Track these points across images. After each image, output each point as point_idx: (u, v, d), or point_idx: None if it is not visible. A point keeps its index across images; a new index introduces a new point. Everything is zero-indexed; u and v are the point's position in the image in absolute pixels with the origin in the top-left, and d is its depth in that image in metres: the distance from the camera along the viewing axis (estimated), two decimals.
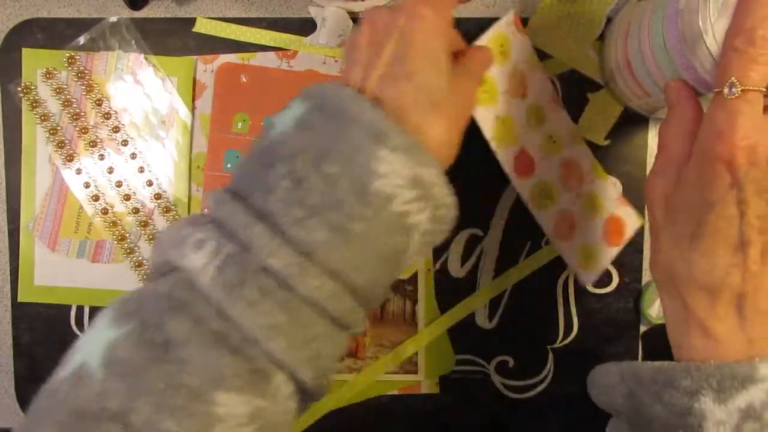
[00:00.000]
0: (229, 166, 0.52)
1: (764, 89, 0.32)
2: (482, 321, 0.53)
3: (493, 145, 0.44)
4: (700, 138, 0.33)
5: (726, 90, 0.31)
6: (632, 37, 0.44)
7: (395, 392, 0.53)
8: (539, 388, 0.53)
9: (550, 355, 0.53)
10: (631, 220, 0.50)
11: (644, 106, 0.49)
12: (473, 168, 0.52)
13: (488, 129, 0.44)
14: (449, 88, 0.35)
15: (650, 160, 0.52)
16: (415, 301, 0.53)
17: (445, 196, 0.33)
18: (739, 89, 0.31)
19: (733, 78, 0.31)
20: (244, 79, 0.52)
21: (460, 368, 0.53)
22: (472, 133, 0.52)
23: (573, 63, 0.51)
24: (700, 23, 0.35)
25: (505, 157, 0.45)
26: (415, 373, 0.53)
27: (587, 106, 0.52)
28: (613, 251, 0.50)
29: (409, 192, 0.31)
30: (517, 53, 0.46)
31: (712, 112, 0.32)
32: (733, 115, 0.31)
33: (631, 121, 0.52)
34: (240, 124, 0.52)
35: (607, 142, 0.52)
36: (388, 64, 0.34)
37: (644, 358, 0.54)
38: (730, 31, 0.33)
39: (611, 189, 0.50)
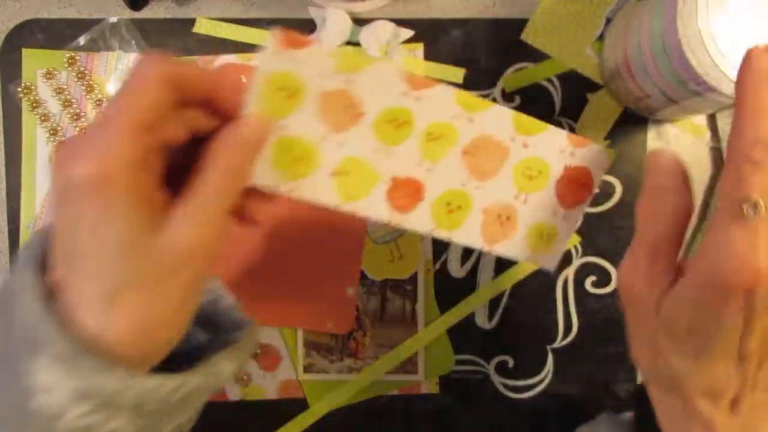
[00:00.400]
0: None
1: None
2: (482, 321, 0.53)
3: (349, 207, 0.34)
4: (709, 258, 0.29)
5: (749, 210, 0.28)
6: (631, 39, 0.44)
7: (395, 392, 0.53)
8: (539, 388, 0.53)
9: (550, 355, 0.53)
10: (594, 160, 0.38)
11: (644, 107, 0.49)
12: None
13: (328, 196, 0.34)
14: (141, 257, 0.26)
15: None
16: (415, 301, 0.53)
17: (148, 393, 0.26)
18: (764, 209, 0.27)
19: (756, 196, 0.27)
20: (245, 79, 0.52)
21: (460, 368, 0.53)
22: None
23: (572, 63, 0.52)
24: (699, 25, 0.35)
25: (370, 207, 0.35)
26: (415, 373, 0.53)
27: (587, 106, 0.52)
28: (578, 212, 0.39)
29: (80, 407, 0.25)
30: (312, 76, 0.33)
31: (727, 231, 0.28)
32: (756, 237, 0.28)
33: (631, 121, 0.52)
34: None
35: (606, 143, 0.52)
36: (62, 240, 0.26)
37: None
38: (743, 138, 0.28)
39: (556, 137, 0.37)
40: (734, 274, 0.28)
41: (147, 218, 0.26)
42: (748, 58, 0.28)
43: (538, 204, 0.38)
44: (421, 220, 0.36)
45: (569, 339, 0.53)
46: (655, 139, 0.52)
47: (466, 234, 0.37)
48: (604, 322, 0.53)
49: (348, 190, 0.34)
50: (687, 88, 0.40)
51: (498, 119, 0.36)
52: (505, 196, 0.37)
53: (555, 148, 0.37)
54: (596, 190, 0.38)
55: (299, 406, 0.53)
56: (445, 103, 0.35)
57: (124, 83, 0.27)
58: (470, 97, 0.35)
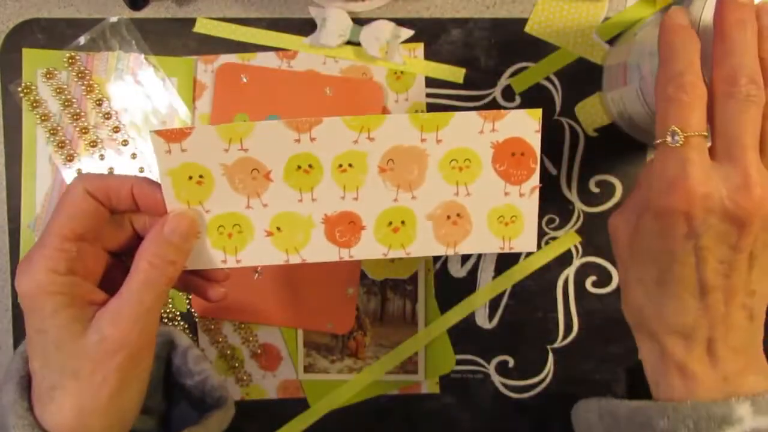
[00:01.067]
0: None
1: (706, 133, 0.32)
2: (482, 321, 0.53)
3: (296, 258, 0.36)
4: (652, 188, 0.32)
5: (669, 138, 0.31)
6: (630, 95, 0.45)
7: (395, 392, 0.53)
8: (539, 388, 0.53)
9: (550, 355, 0.53)
10: (522, 126, 0.36)
11: (643, 140, 0.50)
12: None
13: (272, 256, 0.36)
14: (71, 354, 0.30)
15: (650, 159, 0.52)
16: (415, 301, 0.53)
17: None
18: (682, 136, 0.31)
19: (673, 126, 0.31)
20: (245, 80, 0.52)
21: (460, 368, 0.53)
22: None
23: (578, 51, 0.51)
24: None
25: (316, 252, 0.37)
26: (415, 373, 0.53)
27: (581, 102, 0.52)
28: (532, 182, 0.37)
29: None
30: (209, 157, 0.35)
31: (660, 161, 0.32)
32: (683, 163, 0.31)
33: None
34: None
35: (595, 134, 0.52)
36: (27, 343, 0.32)
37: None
38: (660, 79, 0.33)
39: (467, 120, 0.36)
40: (668, 200, 0.31)
41: (78, 318, 0.30)
42: (666, 16, 0.34)
43: (482, 191, 0.37)
44: (370, 249, 0.37)
45: (569, 339, 0.53)
46: None
47: (423, 245, 0.37)
48: (604, 322, 0.53)
49: (287, 243, 0.36)
50: None
51: (398, 127, 0.35)
52: (444, 196, 0.37)
53: (472, 132, 0.36)
54: (538, 154, 0.36)
55: (299, 406, 0.53)
56: (340, 132, 0.35)
57: (57, 202, 0.32)
58: (360, 118, 0.35)
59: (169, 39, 0.52)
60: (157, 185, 0.34)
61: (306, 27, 0.52)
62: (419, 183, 0.36)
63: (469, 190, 0.37)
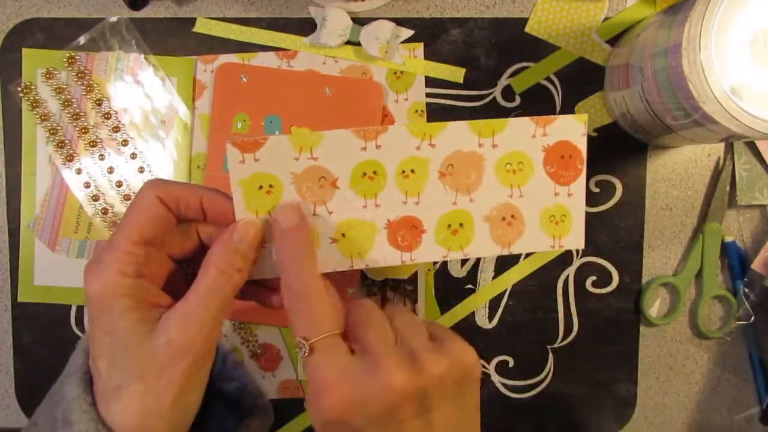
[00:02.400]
0: (226, 167, 0.50)
1: (337, 330, 0.32)
2: (482, 321, 0.53)
3: (360, 263, 0.37)
4: (307, 403, 0.32)
5: (299, 351, 0.32)
6: (634, 95, 0.45)
7: None
8: (539, 388, 0.53)
9: (550, 355, 0.53)
10: (569, 130, 0.38)
11: (645, 140, 0.50)
12: None
13: (337, 262, 0.37)
14: (138, 356, 0.31)
15: (650, 159, 0.52)
16: (415, 301, 0.53)
17: None
18: (306, 346, 0.31)
19: (298, 337, 0.32)
20: (245, 79, 0.51)
21: None
22: None
23: (578, 51, 0.51)
24: (702, 57, 0.36)
25: (380, 257, 0.38)
26: None
27: (581, 102, 0.52)
28: (579, 183, 0.39)
29: None
30: (279, 166, 0.36)
31: (307, 375, 0.32)
32: (315, 370, 0.31)
33: None
34: (240, 124, 0.51)
35: (595, 134, 0.52)
36: (91, 343, 0.32)
37: (643, 359, 0.54)
38: (283, 291, 0.33)
39: (521, 125, 0.38)
40: (320, 415, 0.31)
41: (145, 320, 0.31)
42: (277, 219, 0.34)
43: (534, 193, 0.38)
44: (431, 251, 0.38)
45: (569, 339, 0.53)
46: None
47: (480, 247, 0.38)
48: (604, 322, 0.53)
49: (352, 249, 0.37)
50: (689, 117, 0.40)
51: (457, 134, 0.37)
52: (499, 198, 0.38)
53: (525, 136, 0.38)
54: (584, 156, 0.38)
55: (299, 406, 0.53)
56: (403, 139, 0.37)
57: (128, 206, 0.33)
58: (423, 125, 0.37)
59: (169, 39, 0.52)
60: (227, 196, 0.35)
61: (306, 27, 0.52)
62: (476, 186, 0.38)
63: (522, 192, 0.38)
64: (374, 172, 0.37)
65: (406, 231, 0.38)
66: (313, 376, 0.31)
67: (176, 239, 0.34)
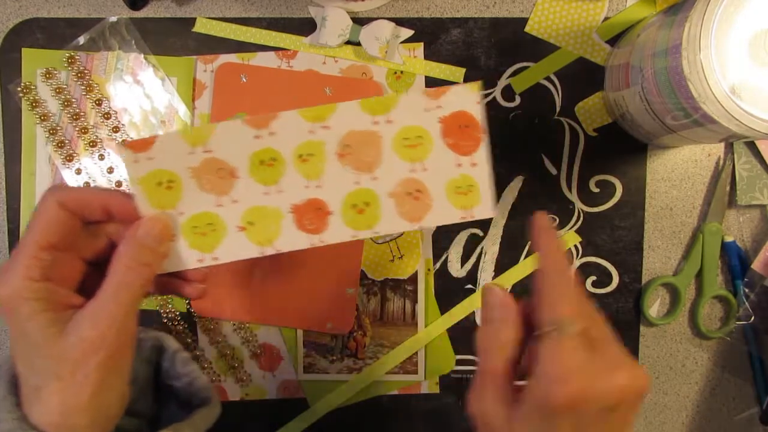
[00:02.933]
0: None
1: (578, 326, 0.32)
2: None
3: (270, 249, 0.38)
4: (538, 383, 0.31)
5: (549, 329, 0.32)
6: (633, 93, 0.45)
7: (395, 392, 0.53)
8: None
9: None
10: (463, 99, 0.37)
11: (645, 140, 0.50)
12: None
13: (246, 249, 0.37)
14: (51, 355, 0.31)
15: (650, 159, 0.52)
16: (415, 301, 0.53)
17: None
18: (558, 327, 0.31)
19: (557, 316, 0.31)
20: (244, 79, 0.51)
21: (460, 368, 0.53)
22: None
23: (578, 51, 0.51)
24: (702, 57, 0.36)
25: (289, 241, 0.38)
26: (415, 373, 0.53)
27: (582, 102, 0.52)
28: (482, 151, 0.38)
29: None
30: (175, 161, 0.36)
31: (545, 355, 0.31)
32: (561, 353, 0.31)
33: None
34: None
35: (595, 134, 0.52)
36: (10, 348, 0.33)
37: (643, 359, 0.54)
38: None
39: (413, 99, 0.37)
40: (555, 399, 0.30)
41: (55, 321, 0.31)
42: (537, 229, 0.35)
43: (437, 165, 0.38)
44: (339, 232, 0.38)
45: None
46: None
47: (389, 223, 0.38)
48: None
49: (260, 236, 0.38)
50: (689, 117, 0.40)
51: (349, 113, 0.37)
52: (402, 174, 0.38)
53: (419, 110, 0.37)
54: (482, 124, 0.37)
55: (299, 406, 0.53)
56: (296, 125, 0.37)
57: (31, 214, 0.34)
58: (314, 108, 0.37)
59: (169, 39, 0.52)
60: (130, 195, 0.35)
61: (306, 27, 0.52)
62: (377, 164, 0.38)
63: (425, 166, 0.38)
64: (272, 159, 0.37)
65: (313, 214, 0.38)
66: (556, 360, 0.31)
67: (86, 241, 0.35)
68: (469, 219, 0.38)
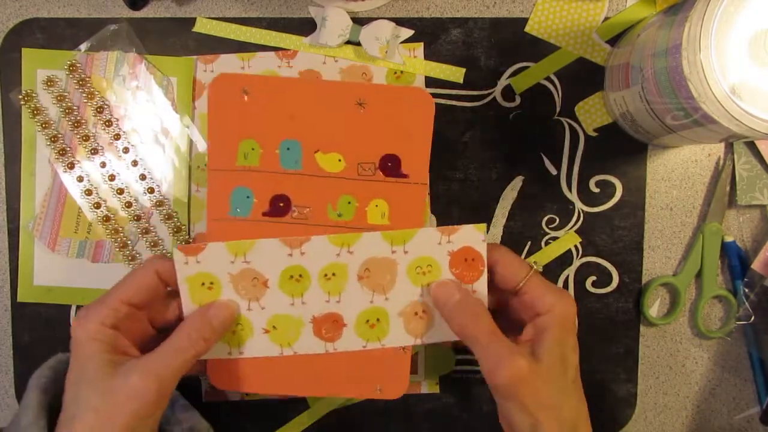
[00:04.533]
0: (238, 210, 0.43)
1: None
2: None
3: (289, 351, 0.43)
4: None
5: None
6: (634, 96, 0.45)
7: None
8: None
9: None
10: (470, 237, 0.42)
11: (645, 140, 0.50)
12: (472, 167, 0.52)
13: (269, 349, 0.43)
14: (97, 391, 0.36)
15: (650, 159, 0.52)
16: None
17: None
18: None
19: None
20: (246, 97, 0.43)
21: (460, 368, 0.53)
22: (470, 133, 0.52)
23: (578, 51, 0.51)
24: (702, 57, 0.36)
25: (306, 346, 0.43)
26: (415, 373, 0.53)
27: (582, 102, 0.52)
28: (481, 283, 0.43)
29: None
30: (218, 267, 0.42)
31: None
32: None
33: None
34: (247, 155, 0.42)
35: (595, 134, 0.52)
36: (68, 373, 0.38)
37: (643, 359, 0.54)
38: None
39: (429, 235, 0.42)
40: (573, 314, 0.42)
41: (112, 363, 0.36)
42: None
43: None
44: (351, 342, 0.43)
45: None
46: None
47: (395, 338, 0.44)
48: (604, 322, 0.53)
49: (281, 339, 0.43)
50: (689, 117, 0.40)
51: (372, 242, 0.42)
52: (411, 297, 0.43)
53: (432, 243, 0.42)
54: (485, 259, 0.43)
55: (299, 406, 0.53)
56: (325, 248, 0.42)
57: (129, 272, 0.41)
58: (342, 236, 0.42)
59: (169, 39, 0.52)
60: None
61: (306, 27, 0.52)
62: (391, 287, 0.43)
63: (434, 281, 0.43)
64: (300, 275, 0.42)
65: (330, 325, 0.43)
66: (554, 291, 0.41)
67: (160, 308, 0.41)
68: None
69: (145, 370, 0.36)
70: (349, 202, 0.43)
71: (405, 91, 0.45)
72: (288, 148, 0.43)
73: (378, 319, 0.43)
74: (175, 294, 0.42)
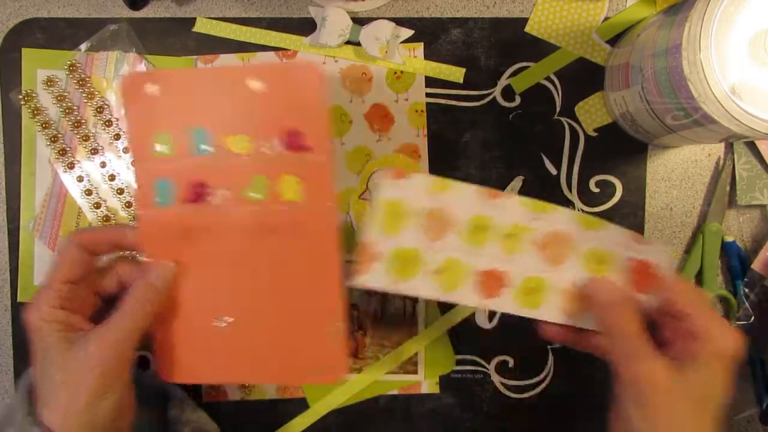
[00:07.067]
0: (162, 199, 0.42)
1: None
2: (482, 321, 0.53)
3: (447, 297, 0.42)
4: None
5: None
6: (634, 95, 0.45)
7: (395, 392, 0.53)
8: (539, 388, 0.53)
9: (550, 355, 0.53)
10: (657, 256, 0.42)
11: (645, 140, 0.50)
12: (472, 167, 0.52)
13: (431, 290, 0.42)
14: (60, 367, 0.38)
15: (650, 159, 0.52)
16: (415, 302, 0.53)
17: None
18: None
19: None
20: (154, 90, 0.42)
21: (460, 368, 0.53)
22: (470, 133, 0.52)
23: (578, 51, 0.51)
24: (702, 57, 0.36)
25: (464, 296, 0.42)
26: (415, 373, 0.53)
27: (582, 102, 0.52)
28: (647, 298, 0.42)
29: None
30: (413, 200, 0.41)
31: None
32: None
33: None
34: (159, 147, 0.42)
35: (595, 134, 0.52)
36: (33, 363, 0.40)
37: None
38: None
39: (617, 234, 0.43)
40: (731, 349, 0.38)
41: (68, 339, 0.39)
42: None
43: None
44: (506, 303, 0.43)
45: None
46: None
47: (548, 311, 0.43)
48: None
49: (446, 284, 0.42)
50: (689, 117, 0.40)
51: (562, 218, 0.43)
52: (578, 279, 0.43)
53: (619, 242, 0.43)
54: (667, 280, 0.42)
55: (299, 406, 0.53)
56: (514, 208, 0.42)
57: (55, 256, 0.44)
58: (536, 202, 0.42)
59: (169, 39, 0.52)
60: (130, 228, 0.43)
61: (306, 27, 0.52)
62: (562, 263, 0.43)
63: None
64: (486, 227, 0.42)
65: (493, 281, 0.43)
66: (719, 322, 0.38)
67: (99, 280, 0.43)
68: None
69: (99, 338, 0.39)
70: (262, 181, 0.42)
71: (292, 67, 0.46)
72: (198, 136, 0.42)
73: (538, 289, 0.43)
74: (109, 265, 0.43)
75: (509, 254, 0.43)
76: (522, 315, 0.43)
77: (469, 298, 0.42)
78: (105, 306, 0.42)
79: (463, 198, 0.42)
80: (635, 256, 0.42)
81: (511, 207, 0.42)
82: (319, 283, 0.43)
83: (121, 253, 0.45)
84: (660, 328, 0.41)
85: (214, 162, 0.42)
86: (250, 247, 0.43)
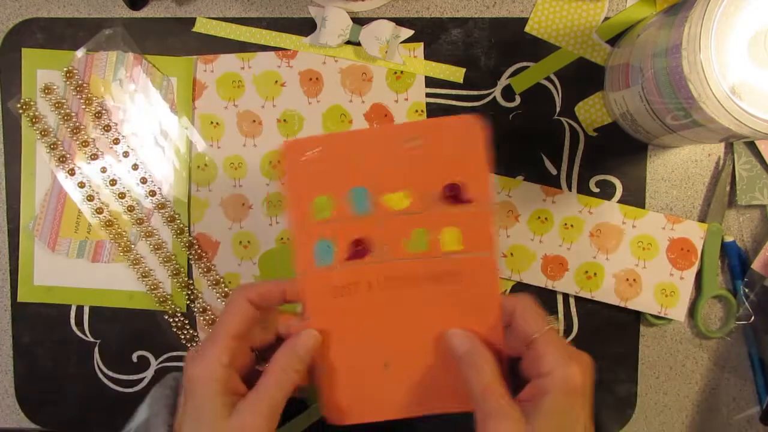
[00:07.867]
0: (323, 260, 0.42)
1: None
2: None
3: (516, 277, 0.52)
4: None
5: None
6: (634, 95, 0.45)
7: None
8: None
9: None
10: (691, 232, 0.51)
11: (645, 140, 0.50)
12: None
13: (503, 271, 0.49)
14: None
15: (650, 159, 0.52)
16: None
17: None
18: None
19: None
20: (313, 155, 0.42)
21: None
22: None
23: (578, 51, 0.51)
24: (702, 57, 0.36)
25: (531, 277, 0.52)
26: None
27: (582, 102, 0.52)
28: (691, 272, 0.51)
29: None
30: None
31: None
32: None
33: None
34: (321, 209, 0.42)
35: (595, 134, 0.52)
36: (182, 413, 0.39)
37: (643, 359, 0.54)
38: None
39: (656, 218, 0.51)
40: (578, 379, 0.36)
41: (226, 405, 0.38)
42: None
43: (655, 268, 0.52)
44: (568, 285, 0.52)
45: (569, 339, 0.53)
46: None
47: (605, 293, 0.52)
48: (604, 322, 0.53)
49: (515, 266, 0.52)
50: (689, 117, 0.40)
51: (609, 210, 0.52)
52: (627, 264, 0.52)
53: (657, 226, 0.52)
54: (699, 255, 0.51)
55: (299, 406, 0.53)
56: (571, 203, 0.52)
57: (224, 307, 0.42)
58: (587, 197, 0.52)
59: (169, 39, 0.52)
60: (291, 283, 0.42)
61: (306, 27, 0.52)
62: (613, 250, 0.52)
63: (646, 265, 0.52)
64: (546, 218, 0.52)
65: (555, 266, 0.52)
66: (563, 350, 0.37)
67: (258, 333, 0.42)
68: (662, 315, 0.52)
69: (254, 408, 0.38)
70: (422, 235, 0.42)
71: (452, 121, 0.44)
72: (357, 196, 0.42)
73: (595, 273, 0.52)
74: (268, 316, 0.42)
75: (568, 242, 0.52)
76: (582, 296, 0.52)
77: (535, 278, 0.51)
78: (253, 360, 0.42)
79: (527, 193, 0.51)
80: (673, 236, 0.51)
81: (566, 202, 0.51)
82: (481, 325, 0.41)
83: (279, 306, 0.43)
84: (524, 365, 0.38)
85: (373, 220, 0.42)
86: (410, 295, 0.42)
